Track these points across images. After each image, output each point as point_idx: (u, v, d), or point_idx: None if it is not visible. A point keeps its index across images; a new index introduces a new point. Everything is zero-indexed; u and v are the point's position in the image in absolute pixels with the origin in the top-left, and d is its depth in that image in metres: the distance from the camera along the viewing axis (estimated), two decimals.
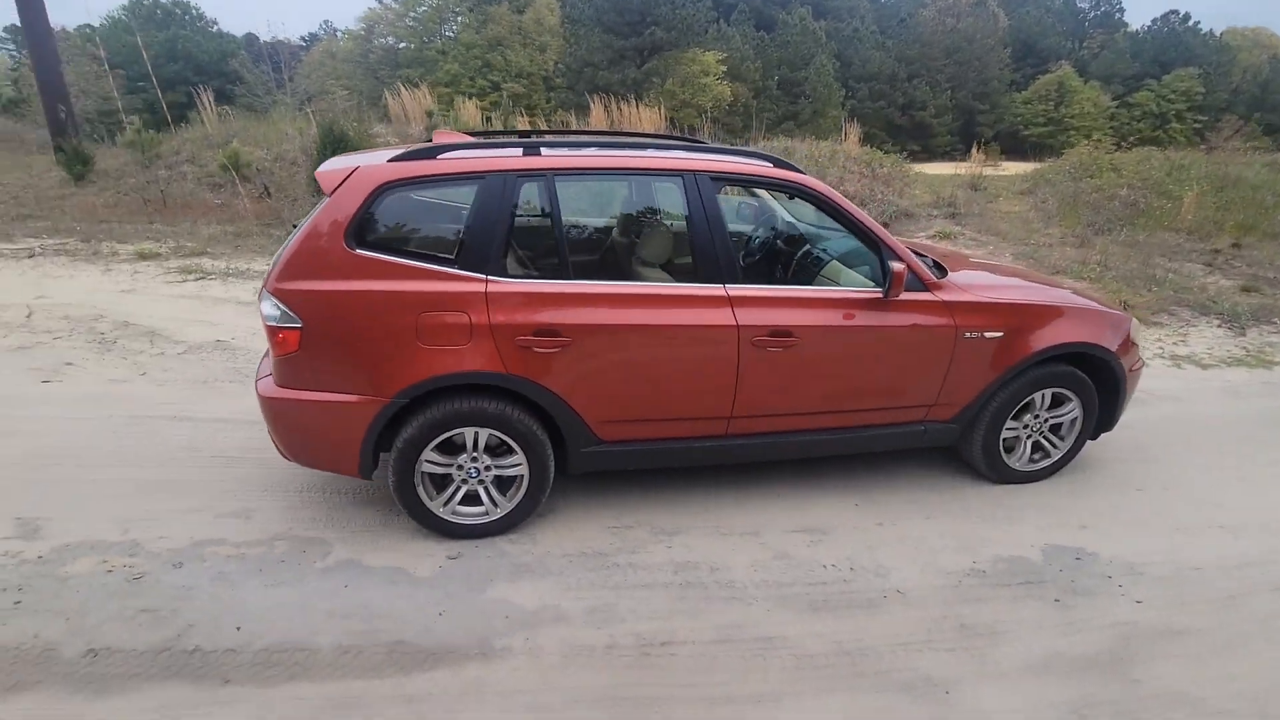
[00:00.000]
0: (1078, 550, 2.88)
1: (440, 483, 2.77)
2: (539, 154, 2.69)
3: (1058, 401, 3.24)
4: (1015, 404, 3.16)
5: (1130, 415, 3.76)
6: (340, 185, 2.52)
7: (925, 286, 2.94)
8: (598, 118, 12.18)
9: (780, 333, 2.77)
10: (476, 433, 2.68)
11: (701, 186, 2.76)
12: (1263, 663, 2.32)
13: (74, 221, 8.37)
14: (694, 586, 2.61)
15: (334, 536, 2.82)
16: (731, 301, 2.74)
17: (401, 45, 36.26)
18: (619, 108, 12.28)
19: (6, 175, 10.41)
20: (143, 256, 6.92)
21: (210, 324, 5.23)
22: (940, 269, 3.19)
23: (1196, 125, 38.59)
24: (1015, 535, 2.97)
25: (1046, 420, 3.27)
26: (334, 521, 2.92)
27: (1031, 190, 10.66)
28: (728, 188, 4.07)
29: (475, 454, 2.73)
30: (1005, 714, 2.10)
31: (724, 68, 33.16)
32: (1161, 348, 5.40)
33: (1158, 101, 40.65)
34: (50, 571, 2.57)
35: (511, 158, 2.66)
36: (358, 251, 2.51)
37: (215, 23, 38.01)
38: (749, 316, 2.74)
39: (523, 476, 2.78)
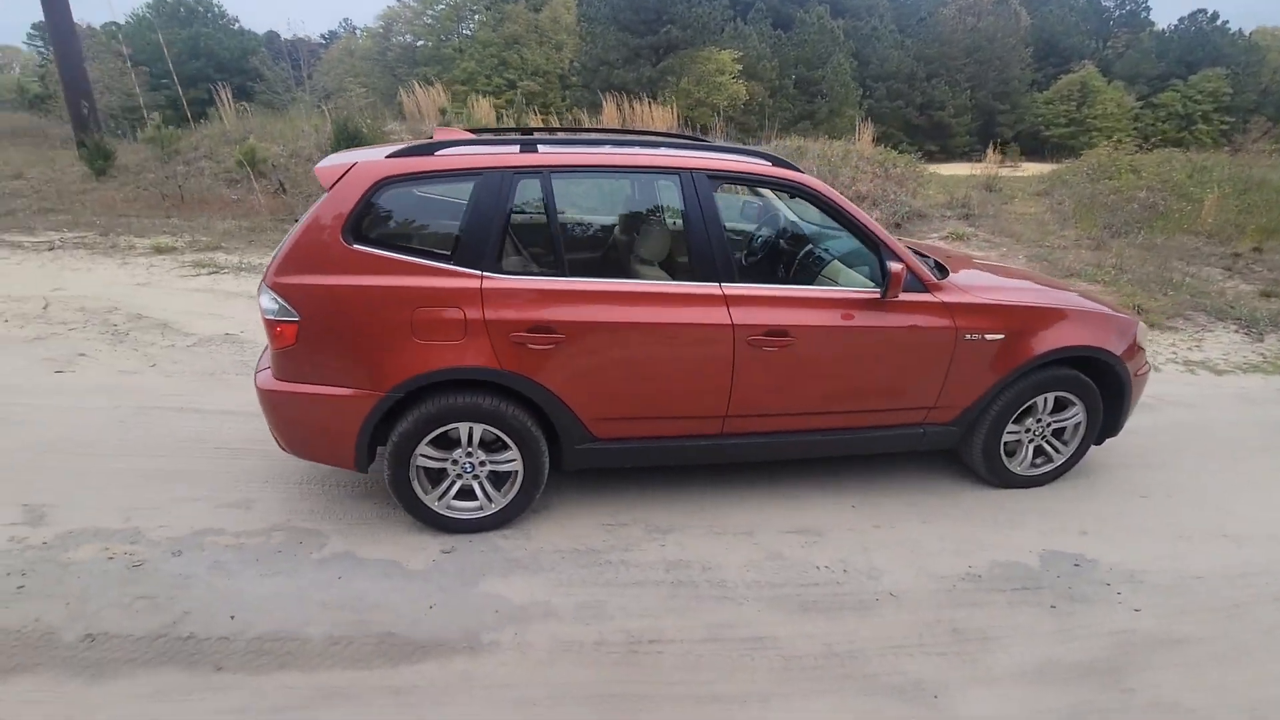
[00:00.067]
0: (1077, 556, 2.84)
1: (435, 477, 2.79)
2: (535, 151, 2.69)
3: (1061, 405, 3.20)
4: (1017, 407, 3.11)
5: (1138, 421, 3.70)
6: (339, 180, 2.55)
7: (925, 287, 2.92)
8: (610, 116, 12.18)
9: (776, 332, 2.75)
10: (471, 428, 2.70)
11: (698, 185, 2.75)
12: (1263, 674, 2.27)
13: (94, 215, 8.54)
14: (685, 585, 2.61)
15: (331, 528, 2.85)
16: (727, 300, 2.73)
17: (419, 43, 36.51)
18: (631, 106, 12.27)
19: (31, 169, 10.63)
20: (159, 250, 7.04)
21: (220, 317, 5.31)
22: (942, 270, 3.16)
23: (1223, 127, 37.75)
24: (1014, 540, 2.93)
25: (1049, 424, 3.23)
26: (332, 514, 2.95)
27: (1048, 192, 10.52)
28: (736, 188, 4.08)
29: (470, 449, 2.75)
30: None
31: (740, 66, 33.00)
32: (1175, 352, 5.30)
33: (1183, 102, 39.84)
34: (54, 557, 2.62)
35: (508, 154, 2.67)
36: (355, 246, 2.53)
37: (237, 20, 38.55)
38: (744, 315, 2.73)
39: (517, 472, 2.79)
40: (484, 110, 12.81)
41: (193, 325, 5.13)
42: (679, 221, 2.85)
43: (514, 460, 2.77)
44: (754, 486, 3.26)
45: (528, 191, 2.76)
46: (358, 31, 41.92)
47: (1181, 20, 45.05)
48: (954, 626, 2.44)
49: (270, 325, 2.56)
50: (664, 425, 2.88)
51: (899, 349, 2.91)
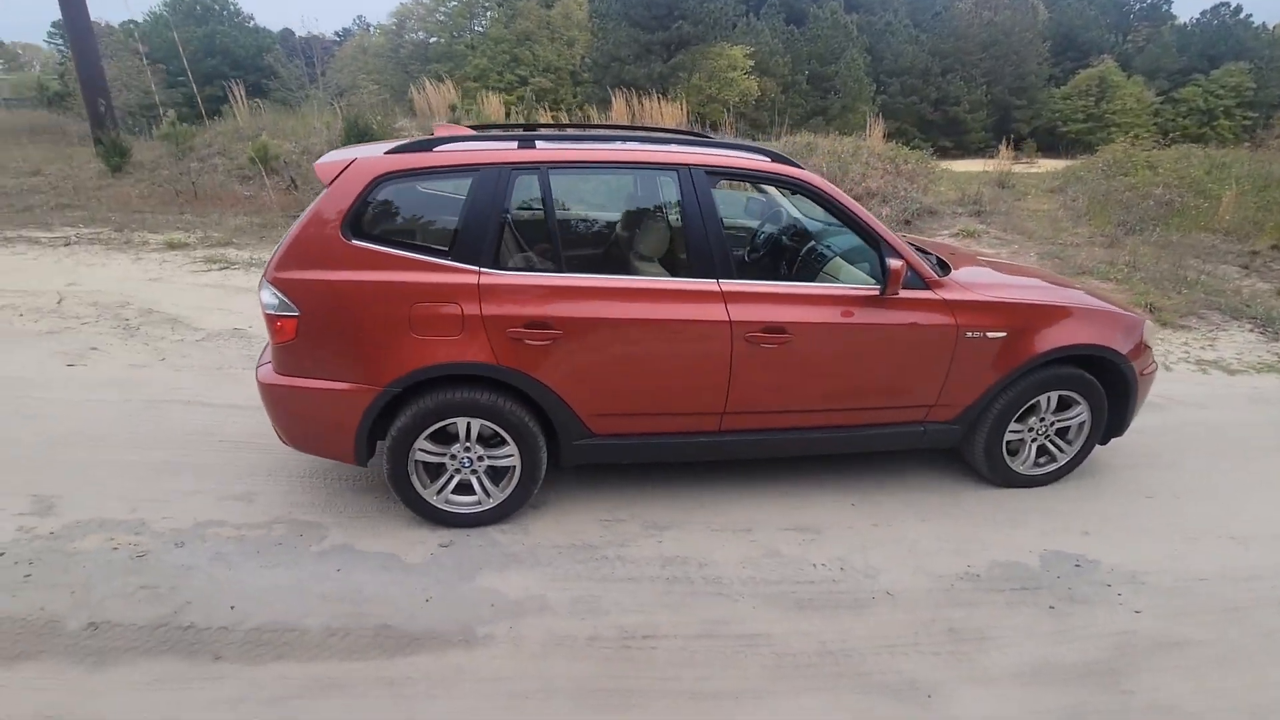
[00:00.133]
0: (1078, 557, 2.81)
1: (434, 471, 2.81)
2: (534, 147, 2.70)
3: (1065, 404, 3.16)
4: (1020, 406, 3.08)
5: (1146, 420, 3.66)
6: (338, 176, 2.57)
7: (926, 284, 2.89)
8: (619, 112, 12.16)
9: (773, 329, 2.74)
10: (469, 423, 2.71)
11: (696, 181, 2.74)
12: (1263, 678, 2.24)
13: (109, 211, 8.66)
14: (680, 581, 2.61)
15: (331, 521, 2.88)
16: (725, 297, 2.73)
17: (432, 40, 36.67)
18: (641, 102, 12.24)
19: (49, 166, 10.79)
20: (171, 246, 7.13)
21: (230, 312, 5.37)
22: (944, 267, 3.13)
23: (1246, 122, 37.03)
24: (1014, 540, 2.91)
25: (1052, 423, 3.19)
26: (332, 507, 2.98)
27: (1062, 188, 10.37)
28: (739, 184, 4.06)
29: (468, 444, 2.76)
30: None
31: (751, 62, 32.85)
32: (1187, 351, 5.22)
33: (1205, 97, 39.10)
34: (60, 547, 2.67)
35: (506, 150, 2.67)
36: (354, 242, 2.55)
37: (252, 18, 38.94)
38: (742, 312, 2.72)
39: (515, 467, 2.80)
40: (494, 107, 12.84)
41: (202, 320, 5.19)
42: (677, 218, 2.84)
43: (512, 455, 2.78)
44: (752, 483, 3.26)
45: (525, 187, 2.77)
46: (371, 28, 42.22)
47: (1204, 14, 44.26)
48: (950, 626, 2.43)
49: (270, 320, 2.59)
50: (662, 421, 2.88)
51: (899, 346, 2.89)
